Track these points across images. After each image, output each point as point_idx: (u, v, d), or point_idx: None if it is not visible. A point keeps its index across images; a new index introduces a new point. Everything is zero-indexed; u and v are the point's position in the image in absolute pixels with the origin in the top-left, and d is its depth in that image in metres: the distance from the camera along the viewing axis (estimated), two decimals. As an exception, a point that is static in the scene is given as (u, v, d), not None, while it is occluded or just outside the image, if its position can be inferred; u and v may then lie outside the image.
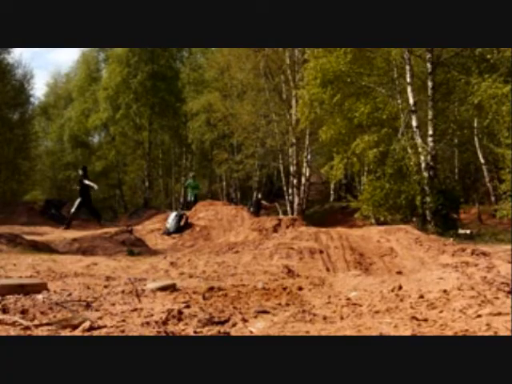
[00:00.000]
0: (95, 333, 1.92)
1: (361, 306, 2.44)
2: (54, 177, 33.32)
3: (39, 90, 64.89)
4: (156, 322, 2.09)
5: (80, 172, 13.81)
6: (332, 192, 25.92)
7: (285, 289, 3.30)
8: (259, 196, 19.94)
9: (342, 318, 2.25)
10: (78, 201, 13.52)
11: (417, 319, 1.98)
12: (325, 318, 2.28)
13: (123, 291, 3.01)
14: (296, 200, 19.63)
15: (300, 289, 3.38)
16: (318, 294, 3.19)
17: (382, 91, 14.01)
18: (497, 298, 2.14)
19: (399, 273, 4.64)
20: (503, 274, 2.95)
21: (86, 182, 13.06)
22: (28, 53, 61.49)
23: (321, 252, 5.34)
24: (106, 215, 30.06)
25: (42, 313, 2.27)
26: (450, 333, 1.75)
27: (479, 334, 1.69)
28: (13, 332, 1.90)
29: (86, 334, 1.91)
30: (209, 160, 26.95)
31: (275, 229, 10.03)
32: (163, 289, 3.08)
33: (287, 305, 2.76)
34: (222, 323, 2.15)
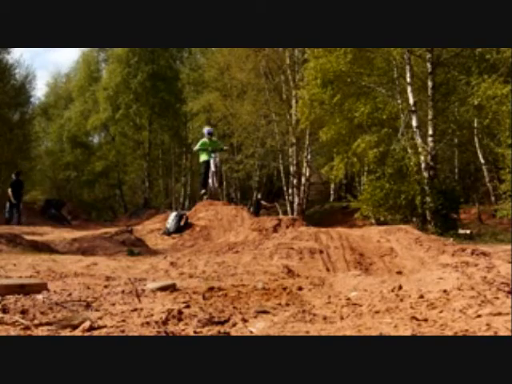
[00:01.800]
0: (95, 333, 1.92)
1: (361, 306, 2.44)
2: (54, 177, 33.33)
3: (39, 90, 64.95)
4: (156, 322, 2.09)
5: (13, 176, 14.93)
6: (332, 192, 25.93)
7: (285, 289, 3.30)
8: (259, 196, 19.94)
9: (342, 318, 2.25)
10: (8, 203, 14.45)
11: (417, 319, 1.97)
12: (325, 318, 2.28)
13: (123, 291, 3.01)
14: (296, 200, 19.64)
15: (300, 289, 3.38)
16: (317, 293, 3.18)
17: (382, 91, 14.01)
18: (497, 297, 2.14)
19: (399, 273, 4.64)
20: (503, 273, 2.95)
21: (9, 191, 14.43)
22: (28, 53, 61.55)
23: (321, 252, 5.34)
24: (106, 215, 30.11)
25: (41, 313, 2.27)
26: (449, 333, 1.75)
27: (479, 334, 1.69)
28: (13, 332, 1.90)
29: (86, 334, 1.91)
30: (209, 160, 26.90)
31: (275, 229, 10.03)
32: (163, 289, 3.08)
33: (287, 305, 2.76)
34: (221, 323, 2.15)
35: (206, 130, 11.05)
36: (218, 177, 10.32)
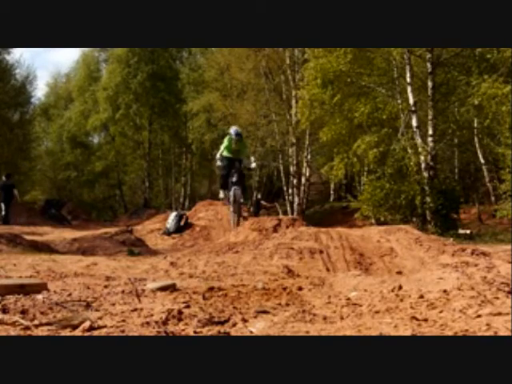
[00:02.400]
0: (95, 333, 1.92)
1: (361, 306, 2.44)
2: (54, 177, 33.36)
3: (39, 90, 65.01)
4: (156, 322, 2.09)
5: (4, 178, 15.22)
6: (332, 192, 25.94)
7: (285, 289, 3.30)
8: (259, 196, 19.95)
9: (341, 318, 2.24)
10: (2, 203, 14.68)
11: (417, 319, 1.97)
12: (325, 318, 2.28)
13: (123, 291, 3.01)
14: (296, 200, 19.64)
15: (300, 289, 3.37)
16: (317, 293, 3.18)
17: (382, 91, 14.01)
18: (497, 297, 2.14)
19: (399, 273, 4.64)
20: (503, 274, 2.95)
21: (15, 191, 14.90)
22: (28, 53, 61.55)
23: (321, 252, 5.33)
24: (106, 215, 30.13)
25: (41, 313, 2.27)
26: (449, 333, 1.75)
27: (479, 334, 1.69)
28: (13, 332, 1.90)
29: (86, 334, 1.91)
30: (209, 160, 26.96)
31: (275, 229, 10.02)
32: (163, 289, 3.08)
33: (287, 305, 2.76)
34: (221, 323, 2.15)
35: (233, 129, 8.72)
36: (241, 188, 8.19)
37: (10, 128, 24.59)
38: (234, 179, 8.16)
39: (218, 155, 8.54)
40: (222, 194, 8.69)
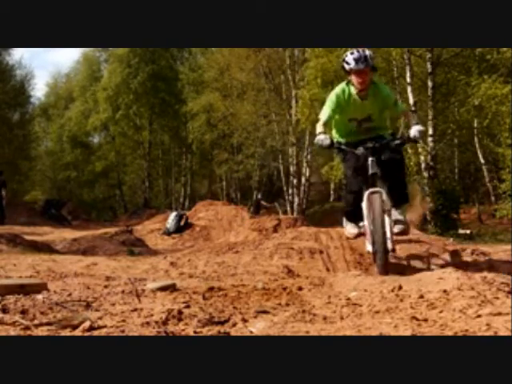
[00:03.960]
0: (95, 333, 1.92)
1: (361, 306, 2.44)
2: (54, 177, 33.37)
3: (39, 90, 64.98)
4: (156, 322, 2.09)
5: None
6: (332, 192, 25.93)
7: (285, 289, 3.30)
8: (259, 196, 19.97)
9: (341, 318, 2.24)
10: None
11: (417, 319, 1.97)
12: (325, 318, 2.28)
13: (123, 291, 3.01)
14: (296, 200, 19.65)
15: (300, 289, 3.37)
16: (317, 293, 3.18)
17: (382, 91, 14.00)
18: (497, 297, 2.14)
19: (399, 273, 4.63)
20: (503, 274, 2.95)
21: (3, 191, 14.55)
22: (28, 53, 61.54)
23: (321, 252, 5.33)
24: (106, 215, 30.14)
25: (41, 313, 2.27)
26: (449, 333, 1.75)
27: (479, 334, 1.69)
28: (13, 332, 1.90)
29: (86, 334, 1.91)
30: (209, 160, 26.99)
31: (275, 229, 10.04)
32: (163, 289, 3.08)
33: (287, 305, 2.76)
34: (221, 323, 2.15)
35: (350, 56, 3.84)
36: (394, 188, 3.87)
37: (10, 128, 24.61)
38: (371, 170, 3.79)
39: (322, 117, 4.00)
40: (349, 229, 4.27)
